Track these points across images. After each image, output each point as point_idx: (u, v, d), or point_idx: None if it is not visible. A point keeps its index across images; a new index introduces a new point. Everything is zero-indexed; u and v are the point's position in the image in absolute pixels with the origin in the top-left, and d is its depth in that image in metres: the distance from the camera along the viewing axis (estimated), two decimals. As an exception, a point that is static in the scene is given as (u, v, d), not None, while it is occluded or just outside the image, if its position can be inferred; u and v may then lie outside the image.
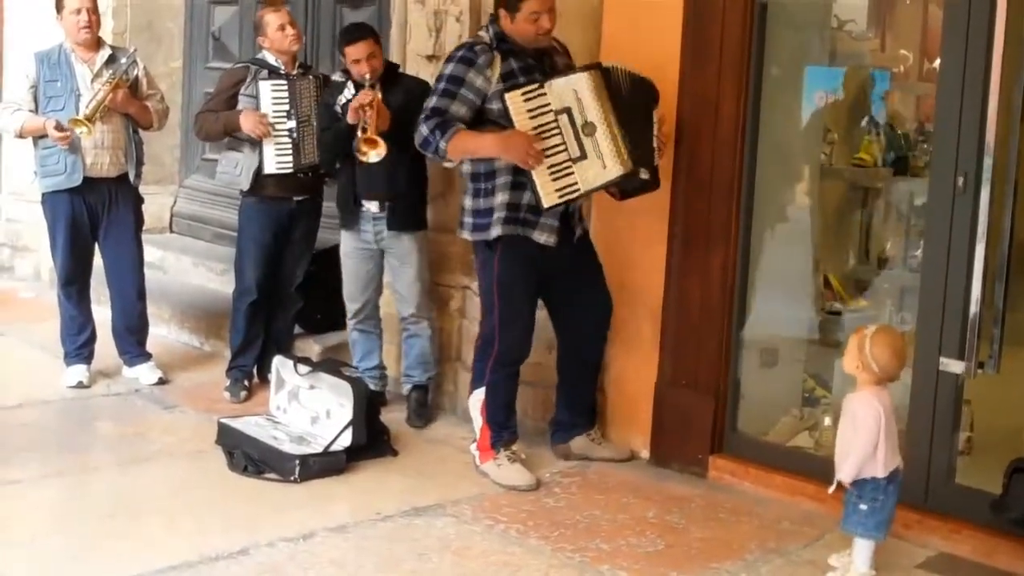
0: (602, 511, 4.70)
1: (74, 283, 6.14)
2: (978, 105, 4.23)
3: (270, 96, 5.80)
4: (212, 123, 5.90)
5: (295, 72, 5.91)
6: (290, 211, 5.96)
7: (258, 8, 7.64)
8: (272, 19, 5.90)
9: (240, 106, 5.85)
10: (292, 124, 5.79)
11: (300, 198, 5.96)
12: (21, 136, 6.00)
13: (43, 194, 6.04)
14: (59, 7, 6.02)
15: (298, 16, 7.38)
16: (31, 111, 5.91)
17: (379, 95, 5.35)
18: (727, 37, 4.97)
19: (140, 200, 6.22)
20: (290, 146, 5.80)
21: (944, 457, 4.48)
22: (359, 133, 5.28)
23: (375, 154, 5.26)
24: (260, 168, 5.83)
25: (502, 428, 5.04)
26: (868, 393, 3.95)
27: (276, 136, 5.78)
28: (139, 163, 6.07)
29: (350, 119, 5.36)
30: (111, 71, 5.92)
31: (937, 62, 4.64)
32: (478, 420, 5.09)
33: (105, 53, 6.03)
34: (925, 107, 6.11)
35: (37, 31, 8.62)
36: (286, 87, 5.81)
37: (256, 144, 5.80)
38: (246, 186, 5.91)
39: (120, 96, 5.85)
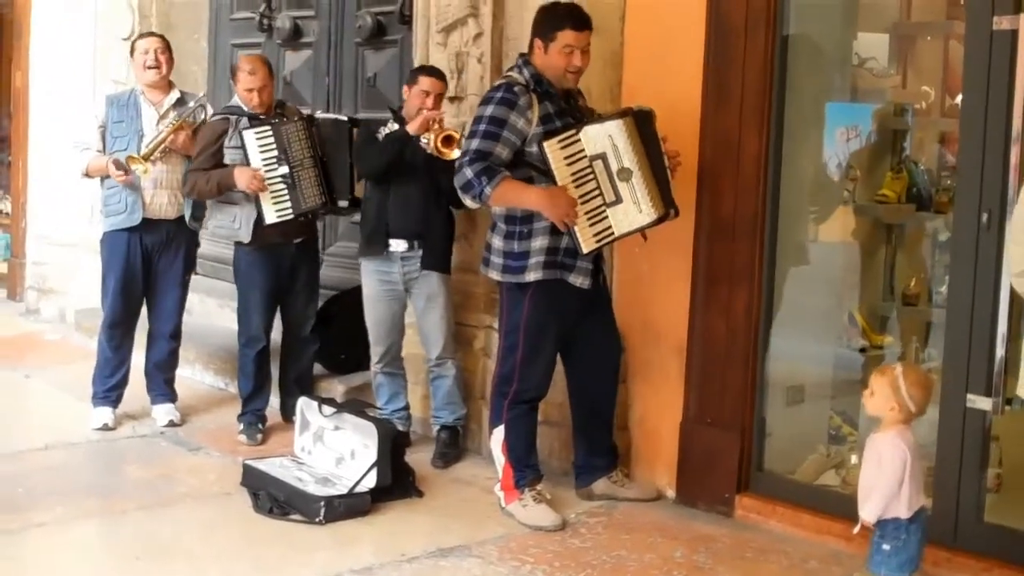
0: (629, 551, 4.68)
1: (118, 327, 6.16)
2: (1001, 141, 4.23)
3: (256, 145, 5.72)
4: (203, 184, 5.79)
5: (274, 116, 5.87)
6: (291, 255, 5.96)
7: (280, 53, 7.75)
8: (239, 78, 5.93)
9: (227, 159, 5.79)
10: (285, 170, 5.72)
11: (299, 239, 5.96)
12: (88, 175, 6.11)
13: (104, 233, 6.12)
14: (132, 50, 6.20)
15: (320, 58, 7.48)
16: (99, 151, 6.01)
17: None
18: (748, 76, 4.99)
19: (196, 245, 6.28)
20: (286, 192, 5.74)
21: (973, 495, 4.44)
22: (432, 136, 5.35)
23: (456, 150, 5.25)
24: (260, 219, 5.78)
25: (524, 466, 5.03)
26: (894, 433, 3.92)
27: (270, 185, 5.71)
28: (198, 205, 6.08)
29: (414, 130, 5.41)
30: (177, 113, 5.99)
31: (959, 98, 4.63)
32: (500, 459, 5.07)
33: (174, 96, 6.12)
34: (948, 143, 6.10)
35: (62, 76, 8.74)
36: (271, 133, 5.74)
37: (251, 196, 5.74)
38: (247, 239, 5.86)
39: (182, 138, 5.92)
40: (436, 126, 5.39)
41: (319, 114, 6.19)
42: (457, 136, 5.35)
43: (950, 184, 5.44)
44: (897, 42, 6.32)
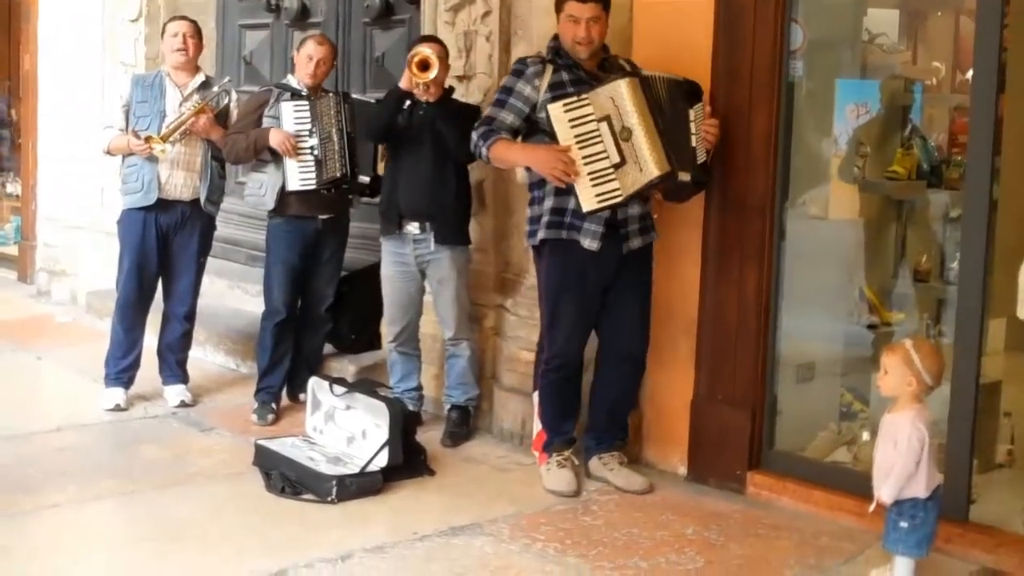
0: (640, 528, 4.68)
1: (131, 307, 6.17)
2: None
3: (292, 116, 5.84)
4: (241, 143, 5.89)
5: (317, 92, 5.95)
6: (316, 230, 5.98)
7: (288, 33, 7.74)
8: (304, 46, 6.00)
9: (265, 126, 5.89)
10: (314, 141, 5.83)
11: (325, 216, 5.99)
12: (109, 153, 6.17)
13: (121, 212, 6.16)
14: (163, 32, 6.30)
15: (329, 37, 7.45)
16: (121, 130, 6.06)
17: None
18: (758, 53, 4.97)
19: (212, 227, 6.30)
20: (312, 163, 5.83)
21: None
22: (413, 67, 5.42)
23: (432, 72, 5.40)
24: (284, 186, 5.87)
25: (554, 432, 5.12)
26: (912, 413, 3.90)
27: (299, 154, 5.82)
28: (214, 189, 6.13)
29: (405, 83, 5.48)
30: (200, 96, 6.03)
31: (970, 73, 4.61)
32: (537, 423, 5.20)
33: (199, 79, 6.16)
34: (958, 119, 6.08)
35: (70, 58, 8.75)
36: (307, 107, 5.86)
37: (280, 164, 5.84)
38: (271, 205, 5.94)
39: (202, 121, 5.96)
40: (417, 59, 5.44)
41: (354, 94, 6.25)
42: (434, 60, 5.40)
43: (960, 160, 5.42)
44: (907, 18, 6.30)
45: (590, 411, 5.28)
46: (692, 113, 4.90)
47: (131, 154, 5.99)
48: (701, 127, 4.91)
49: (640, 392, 5.41)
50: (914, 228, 6.09)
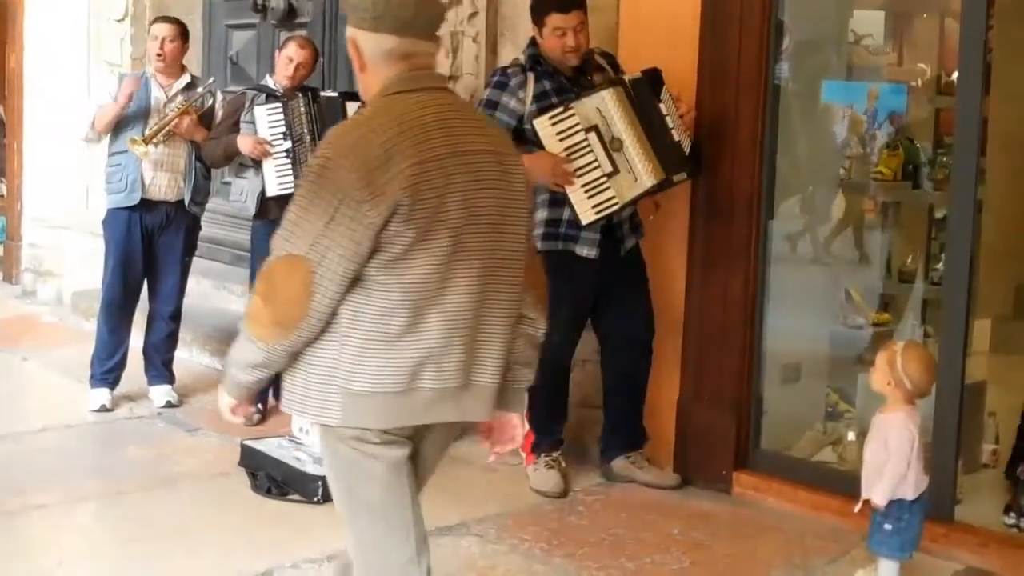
0: (626, 529, 4.69)
1: (116, 307, 6.15)
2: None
3: (266, 120, 5.82)
4: (213, 149, 5.91)
5: (290, 94, 5.91)
6: None
7: (275, 33, 7.73)
8: (285, 47, 5.99)
9: (241, 133, 5.87)
10: (288, 145, 5.80)
11: None
12: (95, 131, 6.09)
13: (105, 212, 6.15)
14: (150, 30, 6.29)
15: (315, 38, 7.42)
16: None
17: None
18: (744, 54, 4.98)
19: (197, 227, 6.28)
20: (289, 166, 5.81)
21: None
22: None
23: None
24: (264, 191, 5.85)
25: (543, 433, 5.11)
26: (902, 415, 3.90)
27: (275, 158, 5.80)
28: (198, 190, 6.12)
29: None
30: (185, 97, 6.02)
31: (955, 75, 4.63)
32: (525, 424, 5.14)
33: (184, 80, 6.15)
34: (944, 120, 6.09)
35: (56, 58, 8.72)
36: (280, 110, 5.83)
37: (259, 169, 5.84)
38: (253, 210, 5.93)
39: (186, 123, 5.95)
40: None
41: (323, 93, 6.23)
42: None
43: (946, 161, 5.43)
44: (893, 19, 6.31)
45: (612, 412, 5.25)
46: (663, 106, 4.88)
47: (118, 152, 5.97)
48: (675, 113, 4.89)
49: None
50: (900, 229, 6.10)
